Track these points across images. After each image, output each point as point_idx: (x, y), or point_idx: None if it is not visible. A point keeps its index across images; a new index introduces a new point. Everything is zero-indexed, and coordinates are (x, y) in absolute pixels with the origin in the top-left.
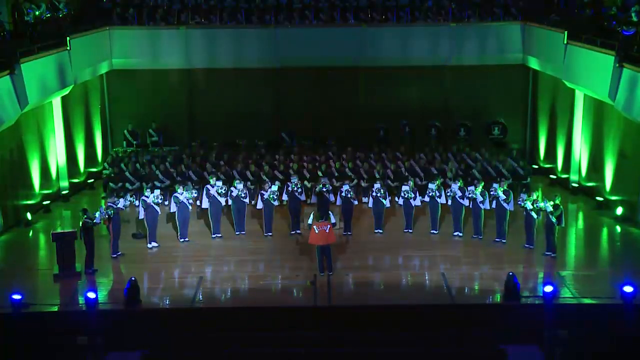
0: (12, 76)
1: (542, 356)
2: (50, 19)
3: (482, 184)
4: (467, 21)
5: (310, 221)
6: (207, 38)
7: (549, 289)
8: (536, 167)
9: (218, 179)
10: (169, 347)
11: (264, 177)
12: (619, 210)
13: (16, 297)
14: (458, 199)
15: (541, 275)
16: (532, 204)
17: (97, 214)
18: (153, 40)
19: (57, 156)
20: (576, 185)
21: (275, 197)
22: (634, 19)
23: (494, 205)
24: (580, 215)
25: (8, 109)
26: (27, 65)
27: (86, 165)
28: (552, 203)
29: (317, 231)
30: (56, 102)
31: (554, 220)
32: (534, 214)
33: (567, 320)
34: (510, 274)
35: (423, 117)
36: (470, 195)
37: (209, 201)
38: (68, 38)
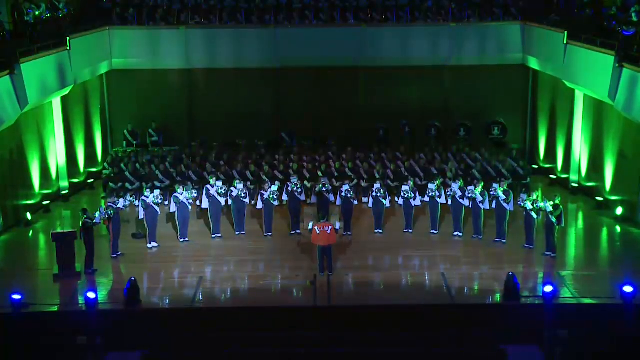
0: (12, 76)
1: (542, 356)
2: (50, 19)
3: (482, 184)
4: (467, 21)
5: (310, 227)
6: (206, 38)
7: (549, 289)
8: (536, 167)
9: (218, 179)
10: (169, 347)
11: (264, 177)
12: (619, 210)
13: (16, 297)
14: (458, 199)
15: (541, 275)
16: (532, 204)
17: (97, 214)
18: (153, 40)
19: (57, 156)
20: (576, 185)
21: (275, 197)
22: (634, 19)
23: (494, 205)
24: (580, 215)
25: (8, 109)
26: (27, 65)
27: (86, 165)
28: (552, 203)
29: (318, 232)
30: (56, 102)
31: (553, 220)
32: (534, 214)
33: (567, 320)
34: (510, 274)
35: (423, 117)
36: (470, 195)
37: (208, 201)
38: (68, 38)
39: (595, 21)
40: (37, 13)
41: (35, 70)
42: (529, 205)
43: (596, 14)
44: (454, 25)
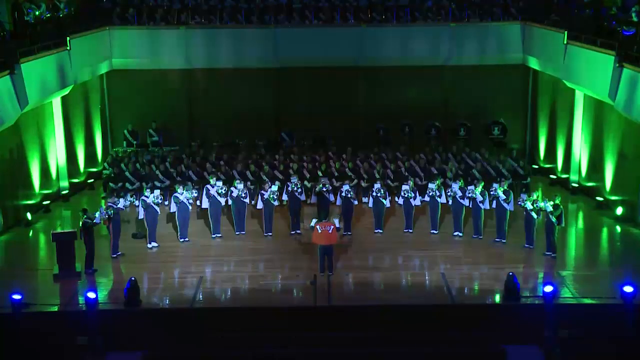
0: (12, 76)
1: (542, 356)
2: (50, 18)
3: (482, 183)
4: (467, 21)
5: (312, 224)
6: (206, 38)
7: (549, 289)
8: (536, 167)
9: (218, 179)
10: (169, 347)
11: (264, 177)
12: (619, 211)
13: (16, 297)
14: (458, 199)
15: (541, 275)
16: (532, 204)
17: (97, 214)
18: (153, 40)
19: (57, 156)
20: (576, 185)
21: (275, 197)
22: (634, 19)
23: (494, 205)
24: (580, 215)
25: (8, 109)
26: (27, 65)
27: (86, 165)
28: (552, 203)
29: (320, 231)
30: (56, 102)
31: (554, 220)
32: (534, 214)
33: (567, 320)
34: (511, 274)
35: (423, 117)
36: (470, 195)
37: (208, 201)
38: (68, 38)
39: (595, 21)
40: (37, 13)
41: (36, 70)
42: (529, 205)
43: (596, 14)
44: (453, 26)
